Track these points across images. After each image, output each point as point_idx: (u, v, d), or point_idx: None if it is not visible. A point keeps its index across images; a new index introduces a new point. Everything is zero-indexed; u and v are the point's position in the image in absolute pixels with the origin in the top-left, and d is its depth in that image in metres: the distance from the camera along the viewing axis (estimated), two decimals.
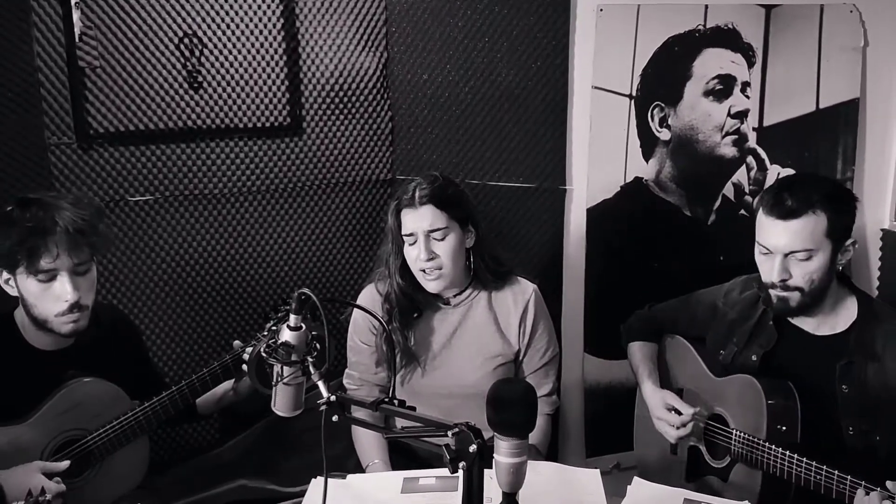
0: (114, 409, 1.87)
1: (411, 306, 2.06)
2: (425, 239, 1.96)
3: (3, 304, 1.87)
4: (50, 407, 1.80)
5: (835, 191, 1.83)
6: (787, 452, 1.73)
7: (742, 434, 1.87)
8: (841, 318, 1.87)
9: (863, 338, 1.82)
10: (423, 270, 1.99)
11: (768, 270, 1.83)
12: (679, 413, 1.98)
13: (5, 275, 1.79)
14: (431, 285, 2.01)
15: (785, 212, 1.77)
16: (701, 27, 2.50)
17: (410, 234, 1.98)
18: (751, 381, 1.88)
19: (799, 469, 1.70)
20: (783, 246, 1.78)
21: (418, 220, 1.97)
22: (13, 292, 1.80)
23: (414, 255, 1.99)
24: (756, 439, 1.82)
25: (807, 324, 1.89)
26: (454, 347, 2.08)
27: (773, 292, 1.84)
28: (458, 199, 2.03)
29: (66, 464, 1.77)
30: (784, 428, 1.80)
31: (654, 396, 2.07)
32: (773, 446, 1.77)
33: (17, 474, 1.68)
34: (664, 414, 2.01)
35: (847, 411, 1.80)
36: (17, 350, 1.83)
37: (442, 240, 1.98)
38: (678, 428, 1.98)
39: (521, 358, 2.12)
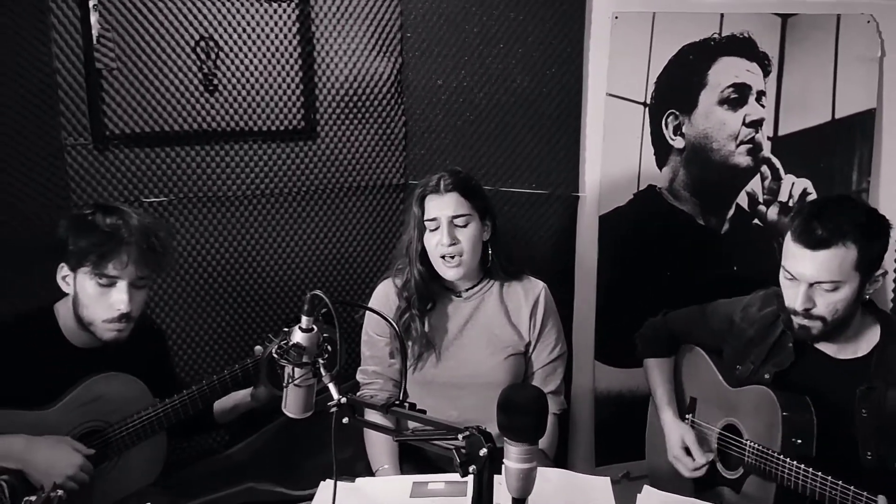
0: (136, 404, 1.92)
1: (429, 294, 2.10)
2: (448, 225, 2.02)
3: (43, 298, 1.93)
4: (74, 396, 1.86)
5: (868, 221, 1.74)
6: (803, 466, 1.70)
7: (756, 445, 1.85)
8: (863, 342, 1.81)
9: (884, 362, 1.77)
10: (443, 257, 2.03)
11: (792, 297, 1.77)
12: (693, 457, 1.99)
13: (65, 271, 1.85)
14: (450, 272, 2.04)
15: (814, 241, 1.69)
16: (716, 35, 2.49)
17: (434, 220, 2.04)
18: (766, 392, 1.85)
19: (814, 483, 1.67)
20: (809, 275, 1.72)
21: (443, 206, 2.03)
22: (67, 289, 1.86)
23: (435, 241, 2.03)
24: (770, 451, 1.80)
25: (828, 347, 1.84)
26: (466, 338, 2.11)
27: (794, 319, 1.78)
28: (479, 190, 2.11)
29: (90, 451, 1.82)
30: (799, 441, 1.77)
31: (673, 433, 2.07)
32: (788, 459, 1.74)
33: (45, 443, 1.76)
34: (680, 454, 2.04)
35: (865, 436, 1.75)
36: (52, 341, 1.88)
37: (464, 227, 2.04)
38: (692, 470, 2.00)
39: (530, 352, 2.14)
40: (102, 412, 1.89)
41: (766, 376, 1.90)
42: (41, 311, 1.91)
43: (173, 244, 1.95)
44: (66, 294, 1.88)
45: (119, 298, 1.81)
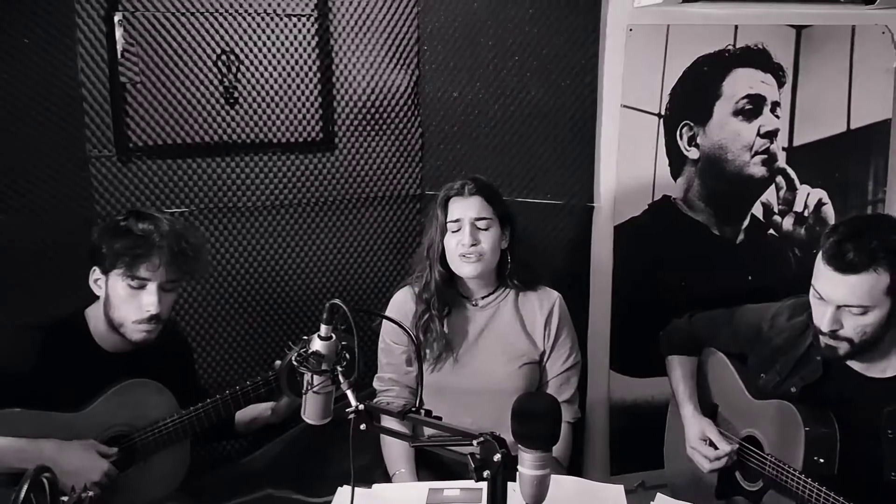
0: (162, 410, 1.97)
1: (449, 296, 2.13)
2: (471, 226, 2.06)
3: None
4: (103, 401, 1.90)
5: None
6: (824, 488, 1.66)
7: (776, 460, 1.82)
8: (893, 361, 1.77)
9: None
10: (462, 255, 2.06)
11: (819, 317, 1.74)
12: (715, 447, 1.97)
13: (97, 273, 1.92)
14: (468, 269, 2.07)
15: (845, 265, 1.64)
16: (730, 47, 2.51)
17: (457, 221, 2.07)
18: (789, 407, 1.82)
19: None
20: (838, 299, 1.68)
21: (467, 208, 2.07)
22: (99, 292, 1.93)
23: (456, 241, 2.07)
24: (791, 469, 1.77)
25: (857, 364, 1.80)
26: (481, 346, 2.13)
27: (821, 338, 1.75)
28: (501, 198, 2.16)
29: (114, 450, 1.88)
30: (822, 460, 1.74)
31: (693, 424, 2.05)
32: (809, 479, 1.71)
33: (74, 448, 1.81)
34: (700, 445, 2.01)
35: (891, 457, 1.72)
36: (83, 346, 1.94)
37: (486, 230, 2.07)
38: (712, 461, 1.96)
39: (545, 361, 2.16)
40: (130, 417, 1.93)
41: (793, 389, 1.87)
42: (73, 315, 1.97)
43: (206, 250, 2.01)
44: (97, 299, 1.93)
45: (149, 300, 1.87)
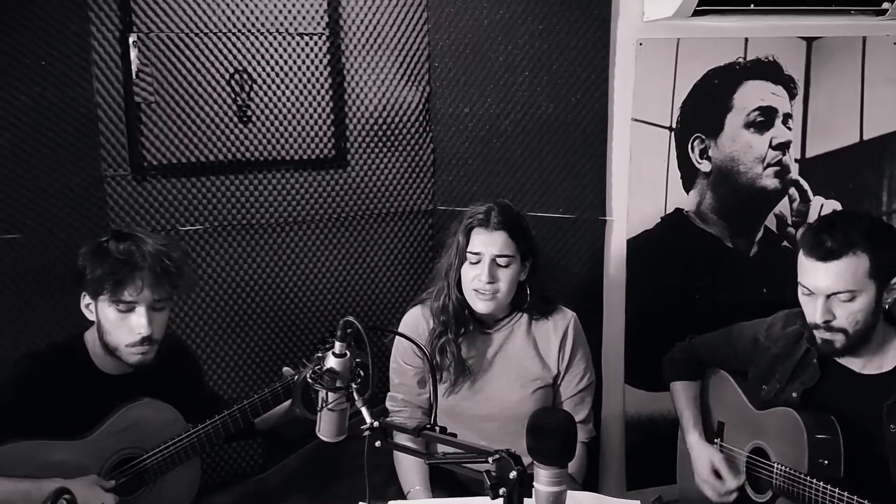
0: (169, 430, 1.94)
1: (465, 320, 2.08)
2: (490, 263, 2.00)
3: (65, 327, 1.99)
4: (109, 425, 1.88)
5: (876, 229, 1.77)
6: (829, 486, 1.69)
7: (783, 468, 1.84)
8: (889, 356, 1.81)
9: None
10: (477, 291, 2.02)
11: (811, 311, 1.80)
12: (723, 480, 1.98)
13: (87, 299, 1.89)
14: (481, 305, 2.03)
15: (824, 253, 1.73)
16: (741, 60, 2.51)
17: (477, 254, 2.01)
18: (792, 414, 1.85)
19: None
20: (825, 287, 1.75)
21: (489, 243, 2.01)
22: (91, 317, 1.90)
23: (473, 275, 2.02)
24: (798, 473, 1.79)
25: (853, 363, 1.84)
26: (494, 370, 2.10)
27: (817, 333, 1.80)
28: (527, 232, 2.09)
29: (111, 483, 1.85)
30: (826, 462, 1.76)
31: (700, 456, 2.06)
32: (816, 480, 1.73)
33: (77, 486, 1.75)
34: (710, 478, 2.03)
35: (895, 452, 1.75)
36: (83, 371, 1.92)
37: (506, 267, 2.02)
38: (723, 495, 1.99)
39: (559, 383, 2.13)
40: (137, 439, 1.91)
41: (794, 395, 1.90)
42: (71, 340, 1.95)
43: (189, 265, 1.97)
44: (93, 322, 1.92)
45: (139, 322, 1.84)
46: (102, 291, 1.83)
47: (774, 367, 1.97)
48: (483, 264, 2.00)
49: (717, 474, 2.02)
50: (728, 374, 2.13)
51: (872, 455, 1.76)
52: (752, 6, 2.39)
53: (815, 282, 1.76)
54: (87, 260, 1.86)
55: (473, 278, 2.02)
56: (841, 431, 1.78)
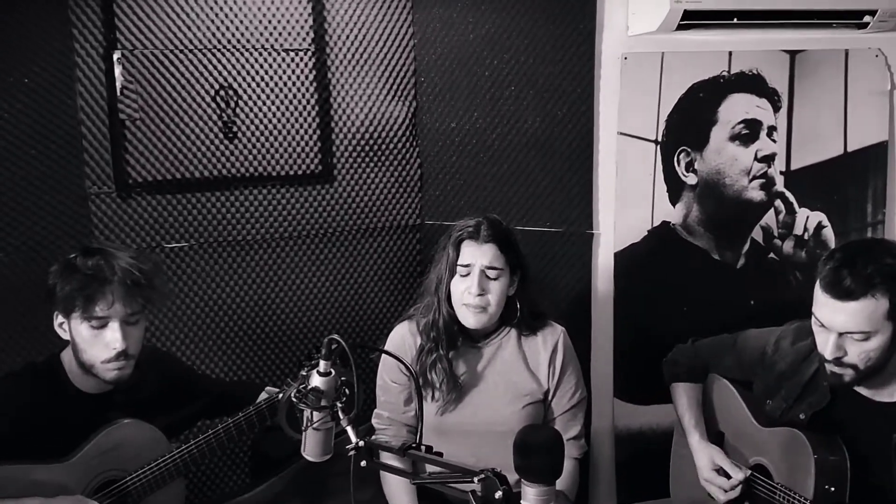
0: (152, 450, 1.91)
1: (455, 334, 2.07)
2: (480, 275, 1.99)
3: (51, 348, 1.94)
4: (91, 447, 1.85)
5: None
6: None
7: (786, 490, 1.79)
8: None
9: None
10: (467, 305, 2.01)
11: (822, 344, 1.74)
12: (728, 476, 1.94)
13: (60, 318, 1.86)
14: (472, 319, 2.02)
15: (842, 292, 1.64)
16: (725, 73, 2.53)
17: (467, 266, 2.01)
18: (798, 434, 1.80)
19: None
20: (840, 326, 1.67)
21: (480, 255, 2.00)
22: (65, 336, 1.87)
23: (462, 288, 2.01)
24: (802, 498, 1.74)
25: (864, 389, 1.78)
26: (484, 386, 2.09)
27: (827, 366, 1.74)
28: (516, 246, 2.08)
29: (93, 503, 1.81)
30: (833, 489, 1.72)
31: (702, 455, 2.02)
32: None
33: None
34: (712, 476, 1.98)
35: None
36: (62, 391, 1.88)
37: (495, 279, 2.01)
38: (727, 491, 1.94)
39: (549, 399, 2.12)
40: (120, 461, 1.87)
41: (802, 416, 1.85)
42: (48, 361, 1.91)
43: (162, 276, 1.93)
44: (69, 342, 1.88)
45: (113, 337, 1.81)
46: (74, 308, 1.80)
47: (781, 384, 1.91)
48: (473, 277, 2.00)
49: (720, 472, 1.98)
50: (731, 385, 2.09)
51: (881, 485, 1.71)
52: (735, 20, 2.41)
53: (829, 319, 1.69)
54: (57, 278, 1.83)
55: (463, 291, 2.01)
56: (849, 457, 1.73)
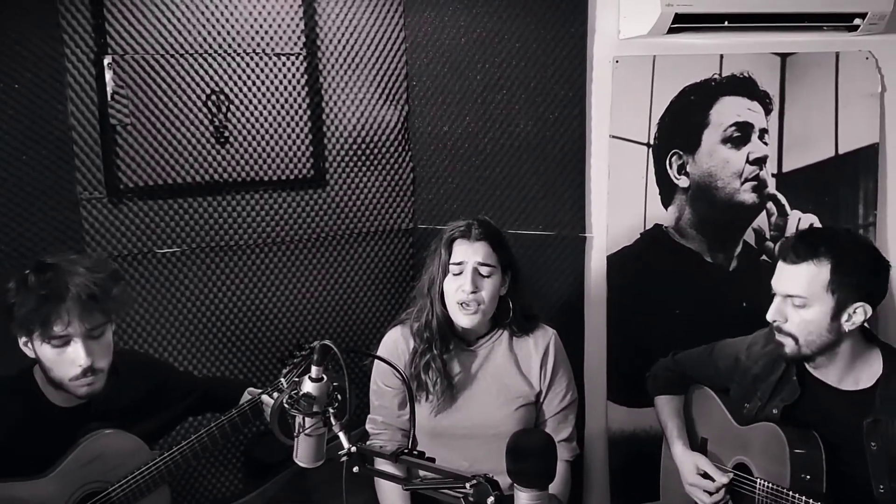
0: (134, 459, 1.88)
1: (448, 335, 2.08)
2: (473, 272, 2.00)
3: (23, 360, 1.88)
4: (71, 460, 1.81)
5: (848, 246, 1.78)
6: (812, 500, 1.70)
7: (767, 484, 1.84)
8: (864, 373, 1.82)
9: (889, 394, 1.77)
10: (461, 304, 2.01)
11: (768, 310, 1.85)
12: (712, 479, 1.97)
13: (24, 338, 1.80)
14: (466, 319, 2.03)
15: (791, 257, 1.78)
16: (717, 76, 2.53)
17: (459, 264, 2.02)
18: (774, 429, 1.86)
19: None
20: (782, 289, 1.80)
21: (472, 252, 2.02)
22: (31, 354, 1.81)
23: (456, 286, 2.01)
24: (781, 489, 1.79)
25: (829, 377, 1.85)
26: (476, 388, 2.09)
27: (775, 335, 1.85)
28: (506, 244, 2.10)
29: None
30: (808, 477, 1.77)
31: (685, 461, 2.06)
32: (803, 497, 1.73)
33: None
34: (697, 480, 2.02)
35: (877, 469, 1.75)
36: (36, 406, 1.84)
37: (488, 277, 2.02)
38: (713, 493, 1.98)
39: (541, 401, 2.12)
40: (101, 472, 1.84)
41: (774, 411, 1.91)
42: (20, 375, 1.87)
43: (121, 283, 1.85)
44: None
45: (77, 355, 1.75)
46: (34, 329, 1.75)
47: (756, 387, 1.97)
48: (466, 274, 2.00)
49: (704, 475, 2.01)
50: (711, 391, 2.14)
51: (854, 472, 1.76)
52: (726, 23, 2.42)
53: (775, 282, 1.82)
54: (15, 297, 1.76)
55: (457, 289, 2.01)
56: (823, 447, 1.78)
